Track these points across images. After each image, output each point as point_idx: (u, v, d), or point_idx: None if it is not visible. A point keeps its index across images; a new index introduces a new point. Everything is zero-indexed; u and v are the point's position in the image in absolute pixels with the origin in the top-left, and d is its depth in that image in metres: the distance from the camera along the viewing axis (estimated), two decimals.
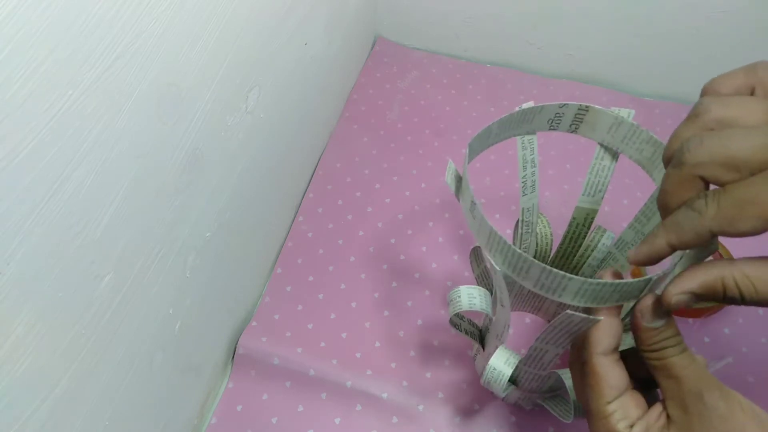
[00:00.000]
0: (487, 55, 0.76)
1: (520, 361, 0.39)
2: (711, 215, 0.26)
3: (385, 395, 0.51)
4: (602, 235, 0.47)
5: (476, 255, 0.44)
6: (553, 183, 0.63)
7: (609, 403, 0.30)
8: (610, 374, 0.30)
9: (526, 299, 0.53)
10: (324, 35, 0.59)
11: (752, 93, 0.29)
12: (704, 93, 0.31)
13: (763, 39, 0.63)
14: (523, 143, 0.40)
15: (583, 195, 0.44)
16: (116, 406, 0.37)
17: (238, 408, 0.51)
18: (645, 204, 0.42)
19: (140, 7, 0.30)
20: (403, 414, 0.50)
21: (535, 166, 0.41)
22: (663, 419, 0.29)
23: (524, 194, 0.42)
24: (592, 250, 0.47)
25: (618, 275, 0.31)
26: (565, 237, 0.47)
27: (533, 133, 0.39)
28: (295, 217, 0.62)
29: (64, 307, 0.30)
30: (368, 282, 0.57)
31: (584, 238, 0.47)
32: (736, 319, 0.54)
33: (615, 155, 0.41)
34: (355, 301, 0.56)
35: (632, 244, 0.44)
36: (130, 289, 0.35)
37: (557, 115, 0.38)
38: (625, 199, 0.62)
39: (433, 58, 0.77)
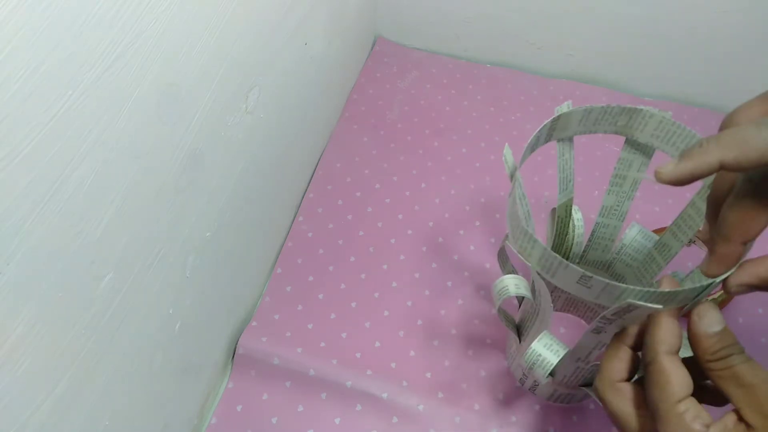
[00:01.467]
0: (487, 55, 0.76)
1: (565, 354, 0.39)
2: None
3: (385, 395, 0.51)
4: (571, 213, 0.48)
5: (504, 313, 0.45)
6: (553, 184, 0.64)
7: (680, 401, 0.29)
8: (679, 373, 0.29)
9: (561, 299, 0.54)
10: (324, 35, 0.59)
11: None
12: (723, 126, 0.29)
13: (763, 39, 0.63)
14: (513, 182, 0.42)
15: (559, 194, 0.46)
16: (116, 406, 0.37)
17: (238, 408, 0.51)
18: (615, 167, 0.44)
19: (140, 7, 0.30)
20: (403, 414, 0.50)
21: (525, 197, 0.43)
22: (741, 426, 0.28)
23: (527, 226, 0.45)
24: (573, 231, 0.48)
25: (675, 284, 0.31)
26: (555, 235, 0.48)
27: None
28: (295, 217, 0.62)
29: (64, 307, 0.30)
30: (368, 282, 0.57)
31: (567, 227, 0.48)
32: (736, 318, 0.54)
33: (571, 144, 0.43)
34: (355, 301, 0.56)
35: (616, 207, 0.46)
36: (130, 289, 0.35)
37: (537, 139, 0.39)
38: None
39: (433, 58, 0.77)
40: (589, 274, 0.31)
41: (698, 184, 0.41)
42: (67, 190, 0.28)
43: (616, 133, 0.41)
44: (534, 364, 0.39)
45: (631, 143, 0.42)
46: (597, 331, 0.35)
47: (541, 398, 0.50)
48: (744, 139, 0.25)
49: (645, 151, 0.42)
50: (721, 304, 0.53)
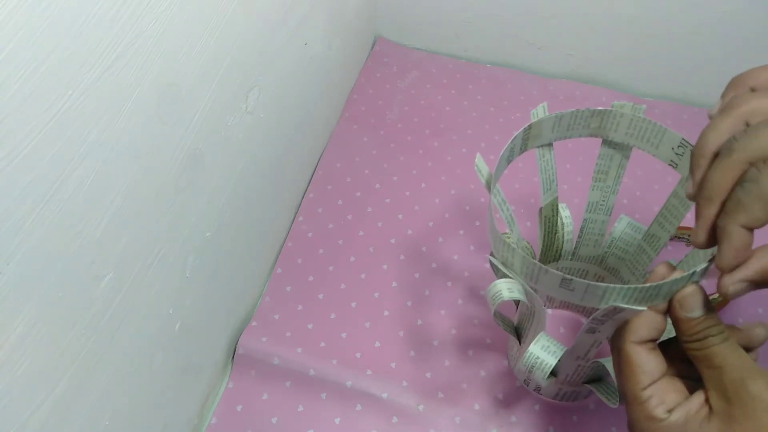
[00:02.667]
0: (487, 55, 0.76)
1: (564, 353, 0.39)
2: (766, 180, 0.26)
3: (385, 395, 0.51)
4: (559, 211, 0.48)
5: (501, 317, 0.46)
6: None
7: (644, 389, 0.30)
8: (644, 361, 0.30)
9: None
10: (324, 35, 0.59)
11: None
12: (731, 87, 0.30)
13: (763, 39, 0.63)
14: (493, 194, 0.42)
15: (543, 195, 0.46)
16: (116, 406, 0.37)
17: (238, 408, 0.51)
18: (597, 163, 0.45)
19: (140, 7, 0.30)
20: (403, 414, 0.50)
21: (506, 203, 0.44)
22: (705, 410, 0.29)
23: (511, 230, 0.45)
24: (563, 228, 0.49)
25: (671, 268, 0.31)
26: (544, 235, 0.49)
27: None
28: (295, 217, 0.62)
29: (64, 307, 0.30)
30: (368, 282, 0.57)
31: (556, 225, 0.48)
32: (736, 319, 0.54)
33: (551, 147, 0.44)
34: (355, 301, 0.56)
35: (602, 202, 0.46)
36: (130, 289, 0.35)
37: (512, 150, 0.40)
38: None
39: (433, 58, 0.77)
40: (569, 277, 0.31)
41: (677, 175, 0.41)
42: (67, 190, 0.28)
43: (590, 135, 0.42)
44: (533, 366, 0.39)
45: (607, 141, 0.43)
46: (591, 331, 0.36)
47: (541, 398, 0.50)
48: (739, 202, 0.27)
49: (622, 146, 0.43)
50: (720, 304, 0.53)
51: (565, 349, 0.39)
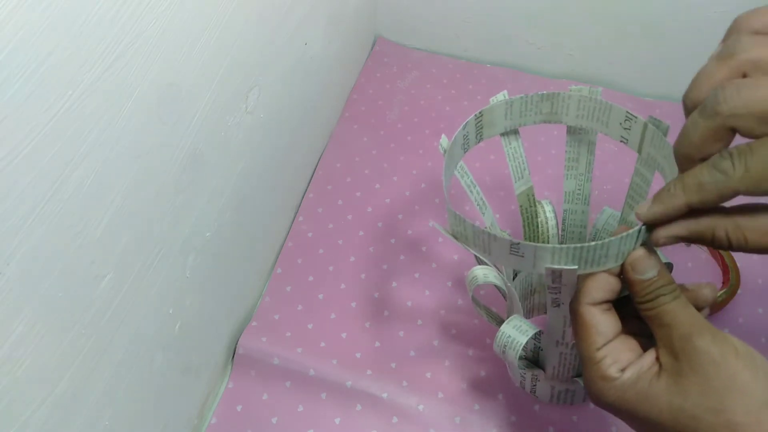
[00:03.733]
0: (487, 55, 0.76)
1: (543, 338, 0.39)
2: (738, 176, 0.25)
3: (385, 395, 0.51)
4: (542, 205, 0.48)
5: (476, 301, 0.45)
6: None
7: (598, 349, 0.30)
8: (598, 321, 0.31)
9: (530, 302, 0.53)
10: (324, 35, 0.59)
11: None
12: (734, 29, 0.29)
13: None
14: (457, 171, 0.42)
15: (515, 183, 0.45)
16: (116, 406, 0.37)
17: (238, 408, 0.51)
18: (566, 151, 0.44)
19: (140, 7, 0.30)
20: (403, 414, 0.50)
21: (476, 186, 0.43)
22: (656, 367, 0.29)
23: (483, 213, 0.44)
24: (547, 223, 0.48)
25: (627, 230, 0.31)
26: (524, 227, 0.48)
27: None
28: (295, 217, 0.62)
29: (64, 307, 0.30)
30: (368, 282, 0.57)
31: (537, 216, 0.48)
32: (736, 318, 0.54)
33: (516, 134, 0.43)
34: (355, 301, 0.56)
35: (578, 191, 0.46)
36: (130, 289, 0.35)
37: (465, 137, 0.40)
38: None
39: (433, 58, 0.77)
40: (516, 240, 0.31)
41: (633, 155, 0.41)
42: (67, 190, 0.28)
43: (544, 121, 0.41)
44: (505, 346, 0.39)
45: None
46: (555, 303, 0.35)
47: (542, 399, 0.50)
48: (701, 184, 0.27)
49: (583, 130, 0.42)
50: (721, 304, 0.53)
51: (537, 329, 0.38)
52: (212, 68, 0.38)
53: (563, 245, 0.30)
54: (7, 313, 0.27)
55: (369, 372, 0.52)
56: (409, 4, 0.74)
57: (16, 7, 0.23)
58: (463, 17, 0.73)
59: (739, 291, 0.54)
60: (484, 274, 0.40)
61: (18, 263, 0.26)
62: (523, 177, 0.45)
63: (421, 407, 0.50)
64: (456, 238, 0.35)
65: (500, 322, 0.46)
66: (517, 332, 0.39)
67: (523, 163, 0.45)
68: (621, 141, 0.40)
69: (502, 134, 0.43)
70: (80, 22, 0.26)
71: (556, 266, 0.31)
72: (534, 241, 0.49)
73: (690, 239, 0.28)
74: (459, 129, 0.38)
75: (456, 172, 0.42)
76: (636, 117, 0.38)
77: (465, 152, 0.41)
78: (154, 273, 0.38)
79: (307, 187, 0.64)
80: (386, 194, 0.63)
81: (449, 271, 0.58)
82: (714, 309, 0.53)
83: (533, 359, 0.45)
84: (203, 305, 0.46)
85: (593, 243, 0.29)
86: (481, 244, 0.33)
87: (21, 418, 0.29)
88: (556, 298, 0.35)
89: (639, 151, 0.40)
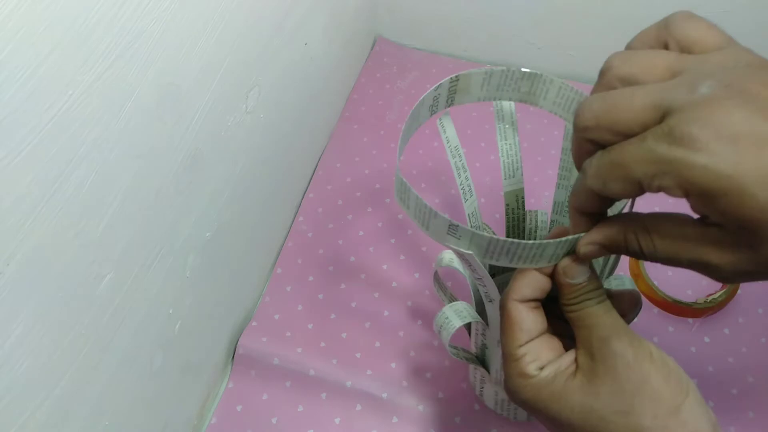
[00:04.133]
0: (487, 55, 0.76)
1: (487, 336, 0.38)
2: (591, 175, 0.26)
3: (385, 395, 0.51)
4: (536, 216, 0.47)
5: (439, 281, 0.44)
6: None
7: (520, 346, 0.30)
8: (523, 318, 0.31)
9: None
10: (324, 35, 0.59)
11: (666, 48, 0.28)
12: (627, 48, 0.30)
13: (763, 39, 0.63)
14: (451, 152, 0.41)
15: (504, 180, 0.44)
16: (116, 406, 0.37)
17: (238, 408, 0.51)
18: (561, 159, 0.43)
19: (140, 7, 0.30)
20: (403, 414, 0.50)
21: (466, 171, 0.42)
22: (573, 367, 0.29)
23: (465, 200, 0.43)
24: (535, 232, 0.47)
25: (564, 232, 0.31)
26: (507, 227, 0.47)
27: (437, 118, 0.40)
28: (295, 217, 0.62)
29: (64, 307, 0.30)
30: (368, 282, 0.57)
31: (524, 221, 0.47)
32: (736, 319, 0.54)
33: (514, 127, 0.42)
34: (355, 301, 0.56)
35: (567, 203, 0.45)
36: (130, 289, 0.35)
37: (435, 99, 0.38)
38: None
39: (433, 58, 0.76)
40: (455, 222, 0.30)
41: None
42: (67, 190, 0.28)
43: (520, 100, 0.40)
44: (441, 327, 0.38)
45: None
46: (488, 298, 0.35)
47: (487, 404, 0.50)
48: (575, 187, 0.28)
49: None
50: (721, 304, 0.53)
51: (476, 319, 0.38)
52: (212, 68, 0.38)
53: (499, 237, 0.30)
54: (7, 313, 0.27)
55: (369, 372, 0.52)
56: (409, 4, 0.74)
57: (16, 7, 0.23)
58: (463, 17, 0.73)
59: (739, 291, 0.54)
60: (450, 258, 0.39)
61: (18, 263, 0.26)
62: (514, 176, 0.44)
63: (421, 407, 0.50)
64: (402, 203, 0.34)
65: (475, 360, 0.45)
66: (455, 315, 0.38)
67: (517, 162, 0.44)
68: None
69: (498, 124, 0.42)
70: (80, 22, 0.26)
71: (454, 247, 0.31)
72: None
73: (608, 247, 0.28)
74: (430, 89, 0.36)
75: (448, 151, 0.40)
76: None
77: (431, 114, 0.39)
78: (154, 273, 0.38)
79: (307, 187, 0.64)
80: (386, 194, 0.63)
81: (449, 271, 0.58)
82: (714, 309, 0.53)
83: (481, 359, 0.44)
84: (203, 305, 0.46)
85: (530, 242, 0.29)
86: (422, 217, 0.32)
87: (21, 418, 0.29)
88: (486, 292, 0.35)
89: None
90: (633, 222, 0.27)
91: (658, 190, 0.24)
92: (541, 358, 0.30)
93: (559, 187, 0.44)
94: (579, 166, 0.28)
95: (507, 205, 0.46)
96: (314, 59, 0.57)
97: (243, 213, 0.49)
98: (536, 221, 0.47)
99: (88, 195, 0.30)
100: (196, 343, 0.46)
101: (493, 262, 0.31)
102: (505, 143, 0.43)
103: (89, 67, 0.27)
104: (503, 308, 0.32)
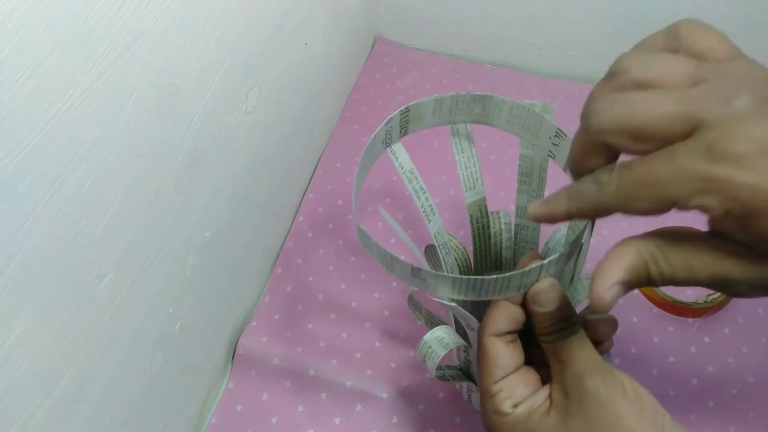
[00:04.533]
0: (487, 55, 0.76)
1: (471, 353, 0.38)
2: (611, 192, 0.24)
3: (385, 395, 0.51)
4: (498, 217, 0.47)
5: (413, 303, 0.44)
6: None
7: (496, 382, 0.30)
8: (499, 354, 0.31)
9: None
10: (324, 35, 0.59)
11: None
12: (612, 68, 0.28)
13: (763, 39, 0.63)
14: (407, 177, 0.41)
15: (466, 192, 0.44)
16: (116, 407, 0.37)
17: (238, 408, 0.51)
18: (519, 166, 0.43)
19: (140, 7, 0.30)
20: (403, 414, 0.50)
21: (425, 192, 0.42)
22: (547, 403, 0.29)
23: (429, 221, 0.43)
24: (501, 235, 0.47)
25: (538, 257, 0.31)
26: (474, 237, 0.47)
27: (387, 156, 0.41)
28: (295, 217, 0.62)
29: (64, 307, 0.30)
30: (368, 282, 0.57)
31: (489, 227, 0.47)
32: (736, 319, 0.54)
33: (469, 139, 0.42)
34: (355, 301, 0.56)
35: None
36: (130, 289, 0.35)
37: (387, 132, 0.39)
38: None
39: (433, 58, 0.76)
40: (418, 266, 0.31)
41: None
42: (67, 190, 0.28)
43: (474, 122, 0.40)
44: (425, 356, 0.38)
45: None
46: (469, 327, 0.35)
47: (477, 409, 0.50)
48: (581, 193, 0.26)
49: (538, 147, 0.40)
50: (720, 304, 0.53)
51: (458, 344, 0.38)
52: (212, 68, 0.38)
53: (463, 276, 0.30)
54: (7, 313, 0.27)
55: (369, 372, 0.52)
56: (409, 4, 0.74)
57: (16, 7, 0.23)
58: (463, 17, 0.73)
59: None
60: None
61: (18, 263, 0.26)
62: (475, 187, 0.44)
63: (421, 407, 0.50)
64: (366, 248, 0.35)
65: (462, 376, 0.45)
66: (438, 344, 0.38)
67: (476, 173, 0.44)
68: (549, 155, 0.39)
69: (454, 138, 0.42)
70: (80, 22, 0.26)
71: (420, 289, 0.31)
72: (486, 252, 0.48)
73: (631, 283, 0.25)
74: (381, 124, 0.37)
75: (404, 177, 0.41)
76: (565, 135, 0.37)
77: (386, 148, 0.40)
78: (154, 273, 0.38)
79: (307, 187, 0.64)
80: (386, 194, 0.63)
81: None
82: (714, 309, 0.53)
83: (465, 371, 0.44)
84: (203, 305, 0.46)
85: (494, 276, 0.29)
86: (386, 261, 0.33)
87: (21, 418, 0.29)
88: (466, 323, 0.35)
89: (565, 170, 0.38)
90: (645, 245, 0.25)
91: (695, 208, 0.22)
92: (515, 394, 0.30)
93: (520, 192, 0.44)
94: (580, 169, 0.27)
95: (471, 215, 0.46)
96: (314, 59, 0.57)
97: (243, 213, 0.49)
98: (500, 224, 0.47)
99: (88, 195, 0.30)
100: (196, 343, 0.46)
101: (462, 298, 0.31)
102: (463, 156, 0.43)
103: (89, 67, 0.27)
104: (479, 343, 0.32)
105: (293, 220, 0.62)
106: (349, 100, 0.72)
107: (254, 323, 0.54)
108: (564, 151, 0.38)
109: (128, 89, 0.31)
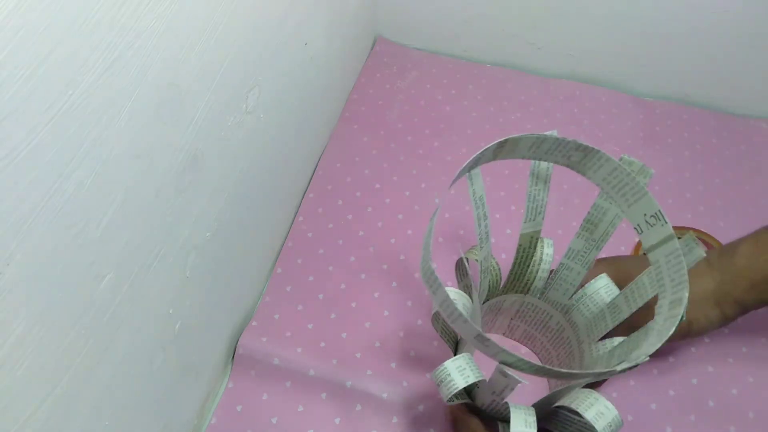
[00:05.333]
0: (487, 55, 0.76)
1: (481, 382, 0.38)
2: None
3: (385, 395, 0.51)
4: (542, 244, 0.47)
5: (436, 316, 0.44)
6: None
7: None
8: None
9: (519, 329, 0.53)
10: (324, 35, 0.59)
11: None
12: None
13: (763, 39, 0.63)
14: (475, 203, 0.41)
15: (524, 222, 0.44)
16: (116, 407, 0.37)
17: (238, 408, 0.51)
18: (588, 212, 0.43)
19: (140, 6, 0.30)
20: (403, 414, 0.50)
21: (487, 218, 0.42)
22: None
23: (481, 247, 0.43)
24: (540, 263, 0.47)
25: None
26: (515, 263, 0.47)
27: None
28: (295, 217, 0.62)
29: (64, 307, 0.30)
30: (368, 282, 0.57)
31: (530, 258, 0.47)
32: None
33: (548, 176, 0.42)
34: (355, 301, 0.56)
35: (583, 253, 0.45)
36: (130, 289, 0.35)
37: (476, 161, 0.38)
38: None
39: (433, 58, 0.77)
40: (485, 335, 0.31)
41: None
42: (67, 190, 0.28)
43: (568, 166, 0.40)
44: (441, 382, 0.38)
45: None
46: (503, 374, 0.35)
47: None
48: None
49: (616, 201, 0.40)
50: None
51: (481, 377, 0.38)
52: (212, 68, 0.38)
53: (528, 361, 0.31)
54: (7, 313, 0.27)
55: (369, 372, 0.52)
56: (409, 4, 0.74)
57: (16, 7, 0.23)
58: (463, 17, 0.73)
59: None
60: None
61: (18, 263, 0.26)
62: (535, 220, 0.44)
63: (421, 407, 0.50)
64: (432, 290, 0.35)
65: (454, 342, 0.45)
66: (458, 374, 0.38)
67: (542, 208, 0.44)
68: (635, 228, 0.38)
69: (533, 169, 0.42)
70: (80, 22, 0.26)
71: (509, 372, 0.33)
72: (519, 277, 0.48)
73: None
74: (473, 156, 0.37)
75: (473, 202, 0.40)
76: (665, 221, 0.36)
77: (475, 167, 0.39)
78: (154, 273, 0.38)
79: (307, 187, 0.64)
80: (386, 194, 0.63)
81: (449, 271, 0.58)
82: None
83: (466, 389, 0.43)
84: (203, 305, 0.46)
85: (559, 370, 0.31)
86: (448, 313, 0.34)
87: (21, 418, 0.29)
88: (504, 372, 0.35)
89: (648, 251, 0.38)
90: None
91: None
92: None
93: (579, 237, 0.44)
94: None
95: (520, 245, 0.46)
96: (314, 59, 0.57)
97: (243, 213, 0.49)
98: (542, 252, 0.47)
99: (88, 195, 0.30)
100: (196, 343, 0.46)
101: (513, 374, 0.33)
102: (535, 188, 0.43)
103: (89, 67, 0.27)
104: None
105: (293, 220, 0.62)
106: (349, 100, 0.72)
107: (254, 323, 0.54)
108: (656, 234, 0.37)
109: (128, 89, 0.31)
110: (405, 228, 0.61)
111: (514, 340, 0.54)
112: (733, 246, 0.44)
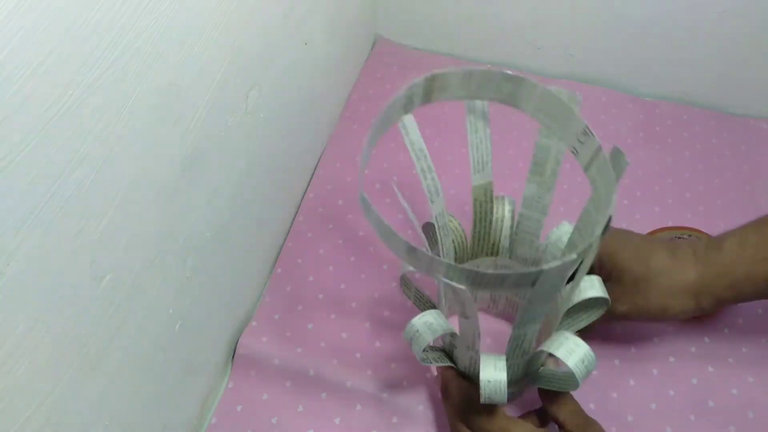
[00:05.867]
0: (487, 55, 0.76)
1: (456, 340, 0.39)
2: None
3: (385, 395, 0.51)
4: (503, 203, 0.46)
5: (405, 281, 0.44)
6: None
7: None
8: None
9: (501, 300, 0.53)
10: (324, 35, 0.59)
11: None
12: None
13: (763, 39, 0.63)
14: (416, 155, 0.40)
15: (474, 174, 0.44)
16: (116, 406, 0.37)
17: (238, 408, 0.51)
18: (533, 155, 0.42)
19: (140, 6, 0.30)
20: (403, 414, 0.50)
21: (432, 172, 0.41)
22: None
23: (432, 201, 0.42)
24: (502, 221, 0.47)
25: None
26: (475, 221, 0.46)
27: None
28: (295, 217, 0.62)
29: (64, 307, 0.30)
30: (368, 282, 0.57)
31: (492, 214, 0.46)
32: (735, 319, 0.54)
33: (485, 119, 0.41)
34: (355, 301, 0.56)
35: (537, 198, 0.44)
36: (130, 289, 0.35)
37: (409, 98, 0.37)
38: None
39: (433, 58, 0.76)
40: (414, 245, 0.30)
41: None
42: (67, 190, 0.28)
43: (501, 101, 0.39)
44: (412, 340, 0.38)
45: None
46: (464, 315, 0.35)
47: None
48: None
49: (558, 137, 0.40)
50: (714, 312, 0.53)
51: (450, 329, 0.38)
52: (212, 68, 0.38)
53: (459, 265, 0.30)
54: (7, 313, 0.27)
55: (369, 372, 0.52)
56: (409, 4, 0.74)
57: (16, 7, 0.23)
58: (463, 17, 0.73)
59: None
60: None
61: (18, 263, 0.26)
62: (484, 170, 0.43)
63: (421, 407, 0.50)
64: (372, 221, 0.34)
65: (430, 307, 0.45)
66: (426, 329, 0.38)
67: (487, 156, 0.43)
68: (572, 152, 0.38)
69: (469, 117, 0.41)
70: (80, 22, 0.26)
71: (448, 281, 0.31)
72: (484, 237, 0.47)
73: None
74: (402, 89, 0.35)
75: (413, 155, 0.40)
76: (592, 135, 0.36)
77: (405, 113, 0.38)
78: (154, 273, 0.38)
79: (307, 187, 0.64)
80: (386, 194, 0.63)
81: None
82: (714, 313, 0.53)
83: (449, 353, 0.44)
84: (203, 305, 0.46)
85: (490, 272, 0.30)
86: (384, 233, 0.33)
87: (21, 418, 0.29)
88: (462, 311, 0.35)
89: (586, 170, 0.37)
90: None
91: None
92: None
93: (530, 182, 0.43)
94: None
95: (475, 198, 0.45)
96: (314, 59, 0.57)
97: (243, 213, 0.49)
98: (503, 210, 0.46)
99: (88, 195, 0.30)
100: (196, 343, 0.46)
101: (455, 284, 0.31)
102: (476, 136, 0.42)
103: (89, 67, 0.27)
104: None
105: (293, 220, 0.62)
106: (349, 100, 0.72)
107: (254, 323, 0.54)
108: (587, 150, 0.36)
109: (128, 89, 0.31)
110: (405, 228, 0.61)
111: (498, 314, 0.54)
112: (720, 240, 0.44)
